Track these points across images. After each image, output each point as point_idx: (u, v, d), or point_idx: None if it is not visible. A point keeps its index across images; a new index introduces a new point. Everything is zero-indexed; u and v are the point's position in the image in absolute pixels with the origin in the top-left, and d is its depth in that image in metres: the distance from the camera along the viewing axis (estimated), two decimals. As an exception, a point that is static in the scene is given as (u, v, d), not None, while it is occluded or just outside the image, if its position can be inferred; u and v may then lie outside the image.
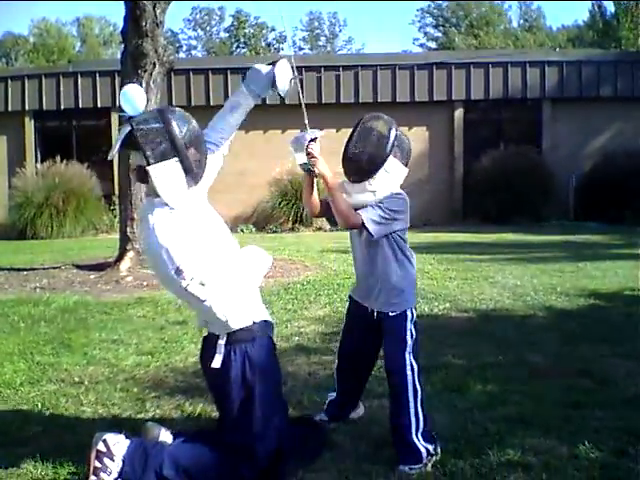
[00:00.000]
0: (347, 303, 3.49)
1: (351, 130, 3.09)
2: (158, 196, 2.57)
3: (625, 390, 3.88)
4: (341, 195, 3.04)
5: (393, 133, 3.01)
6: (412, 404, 3.01)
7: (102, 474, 2.61)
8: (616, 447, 3.09)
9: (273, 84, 2.90)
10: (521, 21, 52.47)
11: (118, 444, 2.66)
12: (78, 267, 8.78)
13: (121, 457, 2.64)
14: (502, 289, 6.98)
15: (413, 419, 3.00)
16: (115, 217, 13.81)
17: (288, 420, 2.93)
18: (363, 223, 2.98)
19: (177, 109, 2.68)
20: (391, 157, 3.00)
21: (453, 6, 49.10)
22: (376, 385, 3.79)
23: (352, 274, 7.93)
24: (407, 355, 3.05)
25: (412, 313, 3.13)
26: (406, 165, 3.09)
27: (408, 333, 3.08)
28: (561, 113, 16.16)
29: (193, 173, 2.61)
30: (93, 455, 2.63)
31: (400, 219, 3.07)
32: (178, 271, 2.48)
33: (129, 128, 2.55)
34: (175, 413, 3.67)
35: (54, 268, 8.80)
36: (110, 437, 2.68)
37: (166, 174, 2.54)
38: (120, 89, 9.43)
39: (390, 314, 3.10)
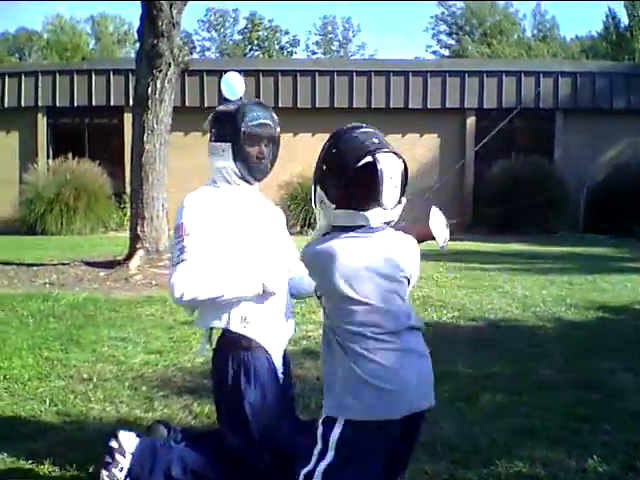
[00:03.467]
0: None
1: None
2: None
3: (634, 404, 3.85)
4: None
5: None
6: None
7: (114, 469, 2.62)
8: (624, 461, 3.07)
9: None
10: (535, 31, 52.41)
11: (129, 441, 2.67)
12: (88, 264, 8.81)
13: (131, 454, 2.64)
14: (511, 299, 6.95)
15: None
16: (125, 215, 13.86)
17: (293, 430, 2.66)
18: None
19: (263, 105, 2.79)
20: None
21: (467, 14, 49.12)
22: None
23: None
24: None
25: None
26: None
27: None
28: (573, 124, 16.12)
29: (248, 164, 2.66)
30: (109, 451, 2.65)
31: None
32: (178, 227, 2.55)
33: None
34: (183, 413, 3.68)
35: (63, 264, 8.83)
36: (122, 434, 2.69)
37: (217, 152, 2.69)
38: (134, 89, 9.46)
39: None
